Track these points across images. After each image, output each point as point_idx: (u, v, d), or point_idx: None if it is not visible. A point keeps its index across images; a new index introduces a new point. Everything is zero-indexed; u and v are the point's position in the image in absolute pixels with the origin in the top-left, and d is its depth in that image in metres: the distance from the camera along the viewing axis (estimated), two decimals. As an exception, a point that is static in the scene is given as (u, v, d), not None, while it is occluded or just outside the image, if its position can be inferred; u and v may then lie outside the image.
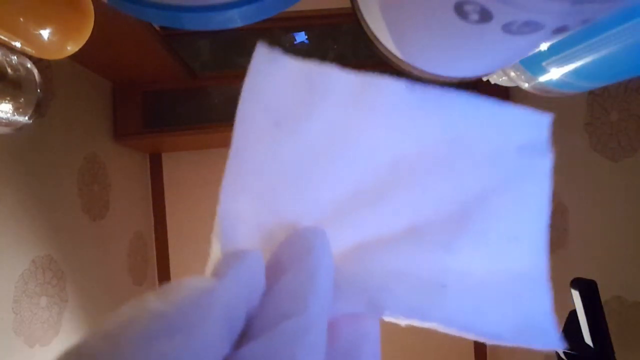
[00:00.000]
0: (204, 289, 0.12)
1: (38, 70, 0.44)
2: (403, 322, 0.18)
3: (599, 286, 0.83)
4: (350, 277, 0.18)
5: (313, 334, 0.13)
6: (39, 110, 0.44)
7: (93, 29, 0.41)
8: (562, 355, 0.88)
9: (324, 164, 0.19)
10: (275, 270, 0.15)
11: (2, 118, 0.41)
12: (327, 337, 0.15)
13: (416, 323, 0.18)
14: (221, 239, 0.17)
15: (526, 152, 0.21)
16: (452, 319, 0.18)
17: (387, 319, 0.18)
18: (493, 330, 0.18)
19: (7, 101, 0.41)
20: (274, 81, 0.19)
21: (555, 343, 0.19)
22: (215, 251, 0.18)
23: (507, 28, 0.13)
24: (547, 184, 0.21)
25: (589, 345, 0.83)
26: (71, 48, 0.41)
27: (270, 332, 0.13)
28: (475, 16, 0.13)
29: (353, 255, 0.18)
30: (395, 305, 0.17)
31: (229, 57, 1.49)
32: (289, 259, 0.15)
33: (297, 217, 0.18)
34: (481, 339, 0.19)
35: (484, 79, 0.30)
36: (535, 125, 0.21)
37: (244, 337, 0.13)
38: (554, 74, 0.25)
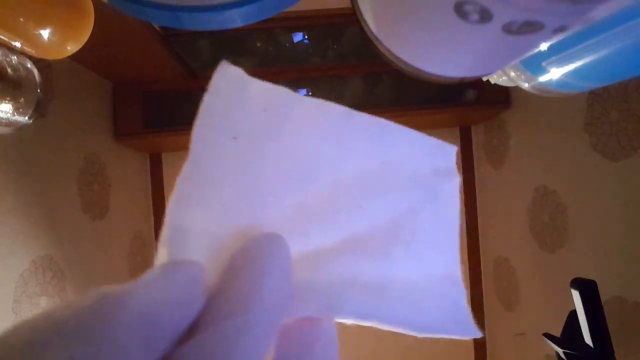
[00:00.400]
0: (111, 295, 0.12)
1: (38, 70, 0.44)
2: (347, 321, 0.20)
3: (599, 286, 0.83)
4: (301, 282, 0.19)
5: (252, 334, 0.13)
6: (39, 110, 0.44)
7: (93, 29, 0.41)
8: (562, 355, 0.88)
9: (275, 179, 0.20)
10: (228, 275, 0.16)
11: (2, 118, 0.41)
12: (280, 339, 0.16)
13: (360, 322, 0.20)
14: (168, 247, 0.17)
15: (439, 175, 0.24)
16: (391, 318, 0.21)
17: (336, 320, 0.20)
18: (424, 325, 0.21)
19: (7, 101, 0.41)
20: (235, 98, 0.20)
21: (473, 332, 0.22)
22: (161, 259, 0.18)
23: (507, 28, 0.13)
24: (457, 202, 0.25)
25: (589, 345, 0.83)
26: (71, 48, 0.41)
27: (208, 331, 0.13)
28: (475, 16, 0.13)
29: (303, 263, 0.20)
30: (344, 308, 0.19)
31: (229, 57, 1.49)
32: (241, 264, 0.16)
33: (248, 227, 0.19)
34: (413, 333, 0.21)
35: (484, 79, 0.30)
36: (446, 153, 0.25)
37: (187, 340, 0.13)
38: (554, 74, 0.25)
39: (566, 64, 0.24)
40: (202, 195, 0.19)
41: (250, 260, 0.16)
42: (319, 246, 0.21)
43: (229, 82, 0.20)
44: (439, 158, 0.24)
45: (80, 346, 0.10)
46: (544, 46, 0.16)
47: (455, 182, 0.25)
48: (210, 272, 0.17)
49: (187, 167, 0.18)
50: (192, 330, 0.14)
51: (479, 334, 0.22)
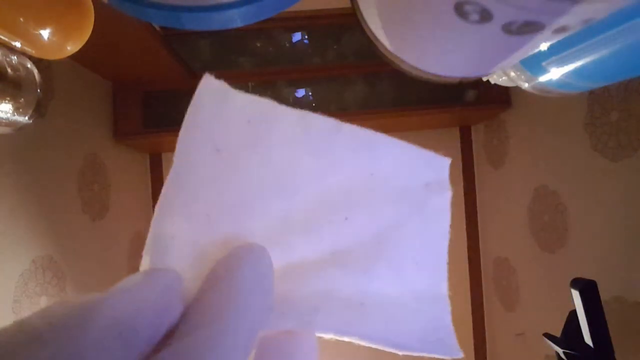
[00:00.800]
0: (85, 302, 0.12)
1: (38, 70, 0.44)
2: (326, 336, 0.20)
3: (599, 286, 0.83)
4: (282, 295, 0.19)
5: (226, 345, 0.13)
6: (39, 110, 0.44)
7: (93, 29, 0.41)
8: (562, 355, 0.88)
9: (259, 191, 0.20)
10: (206, 285, 0.16)
11: (2, 118, 0.41)
12: (259, 350, 0.17)
13: (338, 338, 0.20)
14: (150, 254, 0.18)
15: (430, 189, 0.24)
16: (369, 334, 0.20)
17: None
18: (403, 342, 0.21)
19: (7, 101, 0.41)
20: (218, 111, 0.20)
21: (455, 353, 0.22)
22: (144, 266, 0.18)
23: (507, 28, 0.13)
24: (447, 216, 0.24)
25: (589, 345, 0.83)
26: (71, 48, 0.41)
27: (182, 340, 0.13)
28: (475, 16, 0.13)
29: (285, 275, 0.20)
30: (321, 324, 0.19)
31: (229, 57, 1.49)
32: (219, 274, 0.16)
33: (232, 237, 0.19)
34: (393, 351, 0.21)
35: (484, 79, 0.30)
36: (438, 166, 0.24)
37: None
38: (554, 74, 0.25)
39: (566, 64, 0.24)
40: (185, 206, 0.19)
41: (228, 270, 0.16)
42: (303, 258, 0.21)
43: (212, 95, 0.20)
44: (431, 171, 0.24)
45: (53, 350, 0.10)
46: (544, 46, 0.16)
47: (446, 195, 0.24)
48: (193, 280, 0.17)
49: (169, 178, 0.19)
50: (169, 336, 0.14)
51: (459, 355, 0.21)
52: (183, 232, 0.19)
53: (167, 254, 0.18)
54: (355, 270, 0.22)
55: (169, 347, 0.12)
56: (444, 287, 0.24)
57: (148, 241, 0.18)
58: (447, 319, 0.23)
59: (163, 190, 0.19)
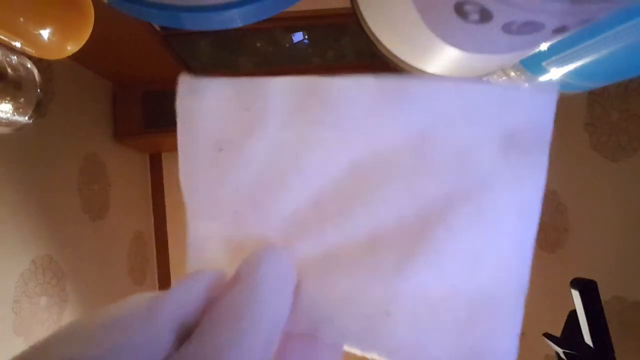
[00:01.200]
0: (149, 299, 0.14)
1: (38, 70, 0.44)
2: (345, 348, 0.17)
3: (599, 286, 0.83)
4: (304, 294, 0.17)
5: (244, 344, 0.13)
6: (39, 110, 0.44)
7: (93, 29, 0.41)
8: (562, 355, 0.88)
9: (277, 178, 0.18)
10: (229, 285, 0.16)
11: (2, 118, 0.41)
12: (280, 350, 0.17)
13: (357, 352, 0.17)
14: (189, 258, 0.19)
15: (513, 146, 0.17)
16: (392, 350, 0.17)
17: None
18: None
19: (7, 101, 0.41)
20: (205, 108, 0.18)
21: None
22: (188, 269, 0.19)
23: (507, 28, 0.13)
24: (540, 184, 0.17)
25: (589, 345, 0.83)
26: (71, 48, 0.41)
27: (202, 338, 0.13)
28: (475, 16, 0.13)
29: (307, 276, 0.18)
30: (337, 336, 0.17)
31: (229, 57, 1.49)
32: (241, 274, 0.16)
33: (262, 230, 0.18)
34: None
35: (484, 79, 0.30)
36: (535, 107, 0.17)
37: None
38: (554, 74, 0.25)
39: (566, 64, 0.24)
40: (208, 207, 0.19)
41: (248, 270, 0.16)
42: (332, 250, 0.18)
43: (194, 94, 0.18)
44: (520, 116, 0.17)
45: (123, 337, 0.12)
46: (544, 46, 0.16)
47: (541, 152, 0.17)
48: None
49: (182, 185, 0.19)
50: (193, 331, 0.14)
51: None
52: (214, 232, 0.19)
53: (204, 255, 0.19)
54: (386, 267, 0.17)
55: (188, 345, 0.13)
56: (517, 288, 0.17)
57: (188, 247, 0.19)
58: (509, 333, 0.17)
59: (184, 197, 0.19)
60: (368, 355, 0.17)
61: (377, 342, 0.17)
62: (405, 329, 0.17)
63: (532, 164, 0.17)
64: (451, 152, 0.17)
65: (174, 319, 0.14)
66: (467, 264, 0.17)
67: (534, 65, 0.26)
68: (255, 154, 0.18)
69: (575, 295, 0.84)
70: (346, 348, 0.17)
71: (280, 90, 0.19)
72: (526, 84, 0.27)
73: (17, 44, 0.38)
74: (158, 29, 1.24)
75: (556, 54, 0.24)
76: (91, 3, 0.41)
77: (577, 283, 0.84)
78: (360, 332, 0.17)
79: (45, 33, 0.38)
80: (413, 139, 0.17)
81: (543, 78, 0.26)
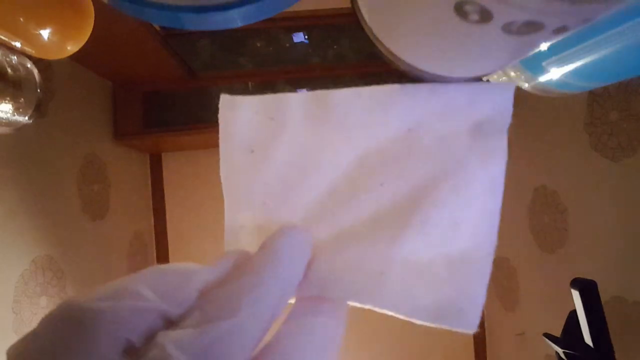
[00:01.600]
0: (192, 268, 0.17)
1: (38, 70, 0.44)
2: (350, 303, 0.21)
3: (599, 286, 0.83)
4: (314, 268, 0.21)
5: (259, 292, 0.16)
6: (39, 110, 0.44)
7: (93, 29, 0.41)
8: (562, 355, 0.88)
9: (298, 173, 0.23)
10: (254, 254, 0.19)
11: (2, 118, 0.41)
12: (292, 310, 0.19)
13: (357, 305, 0.21)
14: (226, 243, 0.23)
15: (480, 133, 0.21)
16: (384, 302, 0.21)
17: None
18: (420, 312, 0.21)
19: (7, 101, 0.41)
20: (241, 119, 0.24)
21: (468, 326, 0.20)
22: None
23: (507, 28, 0.13)
24: (503, 159, 0.21)
25: (589, 345, 0.83)
26: (71, 48, 0.41)
27: (224, 285, 0.16)
28: (475, 16, 0.13)
29: (319, 250, 0.22)
30: (340, 292, 0.21)
31: (229, 57, 1.49)
32: (264, 244, 0.19)
33: (288, 217, 0.23)
34: (408, 319, 0.21)
35: (484, 79, 0.30)
36: (496, 98, 0.21)
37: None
38: (554, 74, 0.25)
39: (566, 64, 0.24)
40: (243, 199, 0.24)
41: (269, 241, 0.19)
42: (342, 229, 0.22)
43: (232, 109, 0.24)
44: (485, 107, 0.21)
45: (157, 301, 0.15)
46: (544, 46, 0.16)
47: (502, 134, 0.21)
48: None
49: (222, 181, 0.24)
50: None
51: (472, 330, 0.20)
52: (248, 220, 0.23)
53: (239, 240, 0.23)
54: (383, 238, 0.21)
55: (214, 289, 0.16)
56: (488, 247, 0.21)
57: (225, 235, 0.23)
58: (480, 285, 0.21)
59: (224, 194, 0.24)
60: (365, 306, 0.21)
61: (372, 296, 0.21)
62: (396, 285, 0.21)
63: (496, 147, 0.21)
64: (432, 142, 0.22)
65: (203, 283, 0.16)
66: (448, 231, 0.21)
67: (534, 65, 0.26)
68: (280, 153, 0.23)
69: (575, 295, 0.84)
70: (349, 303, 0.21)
71: (297, 102, 0.23)
72: (526, 84, 0.27)
73: (17, 44, 0.38)
74: (158, 29, 1.24)
75: (556, 54, 0.24)
76: (91, 3, 0.41)
77: (577, 283, 0.84)
78: (358, 289, 0.21)
79: (45, 33, 0.38)
80: (401, 134, 0.22)
81: (543, 78, 0.26)
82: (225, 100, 0.24)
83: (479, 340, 1.80)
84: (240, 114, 0.24)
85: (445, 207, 0.21)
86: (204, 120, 1.44)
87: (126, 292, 0.14)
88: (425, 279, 0.21)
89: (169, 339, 0.13)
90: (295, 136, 0.23)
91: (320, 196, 0.23)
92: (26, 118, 0.43)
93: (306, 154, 0.23)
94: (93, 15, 0.41)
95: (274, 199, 0.23)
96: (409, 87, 0.22)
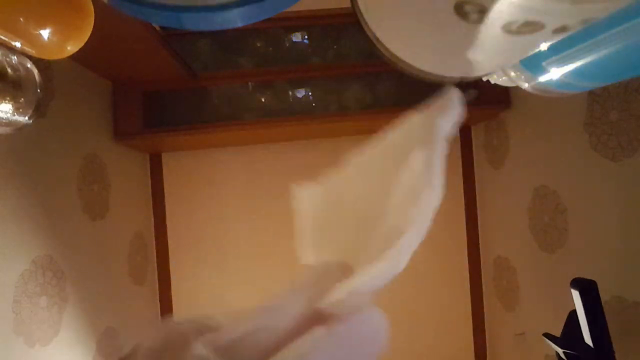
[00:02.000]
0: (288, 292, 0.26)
1: (38, 70, 0.44)
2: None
3: (599, 286, 0.83)
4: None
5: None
6: (39, 110, 0.44)
7: (93, 29, 0.41)
8: (562, 355, 0.88)
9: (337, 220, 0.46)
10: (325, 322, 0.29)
11: (2, 118, 0.41)
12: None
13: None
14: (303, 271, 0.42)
15: (434, 148, 0.36)
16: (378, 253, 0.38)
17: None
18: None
19: (7, 101, 0.41)
20: (306, 200, 0.47)
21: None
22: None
23: (507, 28, 0.13)
24: (442, 158, 0.37)
25: (589, 345, 0.83)
26: (71, 48, 0.41)
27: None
28: (475, 16, 0.13)
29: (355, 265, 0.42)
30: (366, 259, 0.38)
31: (229, 57, 1.49)
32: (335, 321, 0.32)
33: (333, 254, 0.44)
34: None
35: (484, 79, 0.30)
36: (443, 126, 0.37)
37: None
38: (554, 74, 0.25)
39: (566, 64, 0.24)
40: (305, 244, 0.47)
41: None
42: (363, 257, 0.39)
43: (300, 198, 0.49)
44: (437, 130, 0.37)
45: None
46: (544, 46, 0.16)
47: (443, 143, 0.37)
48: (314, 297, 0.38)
49: (297, 233, 0.48)
50: None
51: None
52: (311, 256, 0.43)
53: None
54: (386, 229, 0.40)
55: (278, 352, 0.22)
56: (435, 206, 0.38)
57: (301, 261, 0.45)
58: (428, 212, 0.39)
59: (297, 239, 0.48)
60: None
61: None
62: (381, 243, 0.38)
63: (439, 150, 0.36)
64: (404, 160, 0.38)
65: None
66: (414, 203, 0.37)
67: (534, 65, 0.26)
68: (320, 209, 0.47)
69: (575, 295, 0.84)
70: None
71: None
72: (526, 84, 0.27)
73: (17, 44, 0.38)
74: (158, 29, 1.24)
75: (556, 54, 0.24)
76: (91, 3, 0.41)
77: (577, 283, 0.84)
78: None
79: (45, 33, 0.38)
80: (388, 164, 0.40)
81: (543, 78, 0.26)
82: (296, 191, 0.45)
83: (479, 340, 1.80)
84: (306, 198, 0.48)
85: (413, 191, 0.38)
86: (204, 120, 1.44)
87: None
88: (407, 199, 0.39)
89: None
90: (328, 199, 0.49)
91: (352, 230, 0.44)
92: (26, 118, 0.43)
93: (340, 204, 0.48)
94: (93, 15, 0.41)
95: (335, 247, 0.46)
96: (378, 141, 0.45)
